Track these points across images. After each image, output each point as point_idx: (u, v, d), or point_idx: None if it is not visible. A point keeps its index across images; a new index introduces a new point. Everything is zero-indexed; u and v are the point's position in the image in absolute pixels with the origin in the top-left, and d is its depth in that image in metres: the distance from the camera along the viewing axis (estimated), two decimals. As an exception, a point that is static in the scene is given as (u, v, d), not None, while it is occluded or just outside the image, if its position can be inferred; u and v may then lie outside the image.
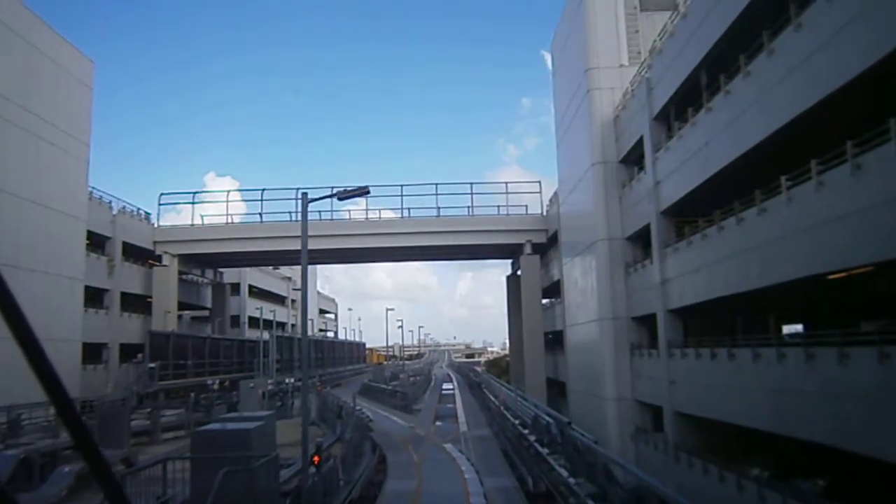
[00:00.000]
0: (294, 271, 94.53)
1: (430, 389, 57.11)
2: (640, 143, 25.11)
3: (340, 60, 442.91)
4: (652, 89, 23.47)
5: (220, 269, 56.72)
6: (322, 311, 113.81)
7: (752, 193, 16.42)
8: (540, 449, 22.21)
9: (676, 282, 21.68)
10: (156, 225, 48.00)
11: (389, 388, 41.19)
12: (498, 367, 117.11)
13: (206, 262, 53.25)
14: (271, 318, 74.66)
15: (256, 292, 78.11)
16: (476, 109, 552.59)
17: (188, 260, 49.38)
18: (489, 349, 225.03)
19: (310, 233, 44.61)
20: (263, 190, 48.43)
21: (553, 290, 46.23)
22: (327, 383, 60.44)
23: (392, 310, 51.73)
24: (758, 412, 16.40)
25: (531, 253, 45.39)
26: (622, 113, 27.65)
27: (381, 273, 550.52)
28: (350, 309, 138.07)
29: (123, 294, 43.10)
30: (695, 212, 21.81)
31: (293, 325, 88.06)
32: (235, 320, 66.10)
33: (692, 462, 19.85)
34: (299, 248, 44.35)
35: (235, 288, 68.91)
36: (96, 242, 41.62)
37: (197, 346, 42.35)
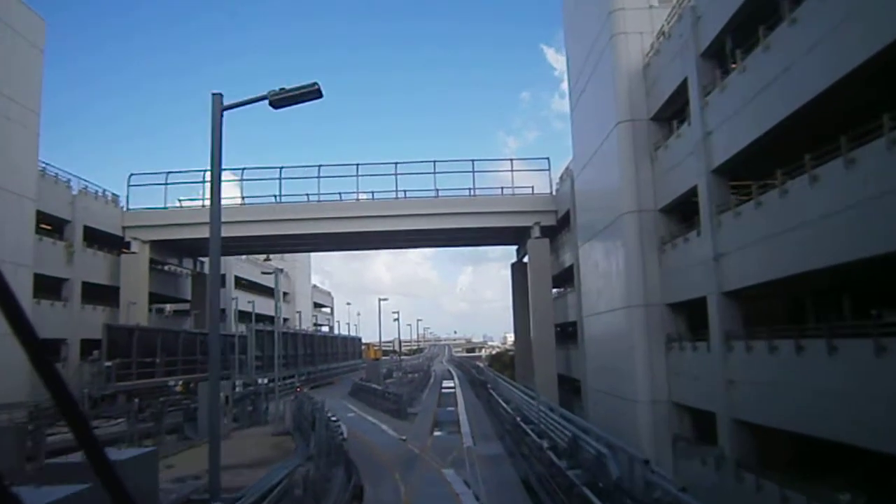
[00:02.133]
0: (286, 262, 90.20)
1: (428, 388, 52.42)
2: (680, 90, 20.60)
3: (335, 61, 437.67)
4: (699, 18, 18.95)
5: (202, 259, 52.23)
6: (317, 305, 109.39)
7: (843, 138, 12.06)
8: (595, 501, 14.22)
9: (736, 256, 17.20)
10: (125, 208, 43.53)
11: (381, 388, 36.62)
12: (500, 361, 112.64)
13: (185, 250, 48.82)
14: (263, 311, 70.50)
15: (246, 285, 73.78)
16: (474, 104, 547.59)
17: (162, 247, 44.94)
18: (490, 343, 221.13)
19: (294, 215, 40.04)
20: (244, 169, 43.96)
21: (564, 277, 41.80)
22: (318, 381, 55.92)
23: (386, 300, 47.00)
24: (865, 423, 12.01)
25: (540, 236, 40.90)
26: (654, 59, 23.13)
27: (380, 267, 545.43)
28: (349, 303, 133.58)
29: (86, 284, 38.69)
30: (752, 172, 17.38)
31: (287, 320, 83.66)
32: (222, 314, 61.62)
33: (762, 485, 15.42)
34: (286, 233, 39.85)
35: (221, 279, 64.55)
36: (54, 226, 37.26)
37: (168, 342, 37.89)
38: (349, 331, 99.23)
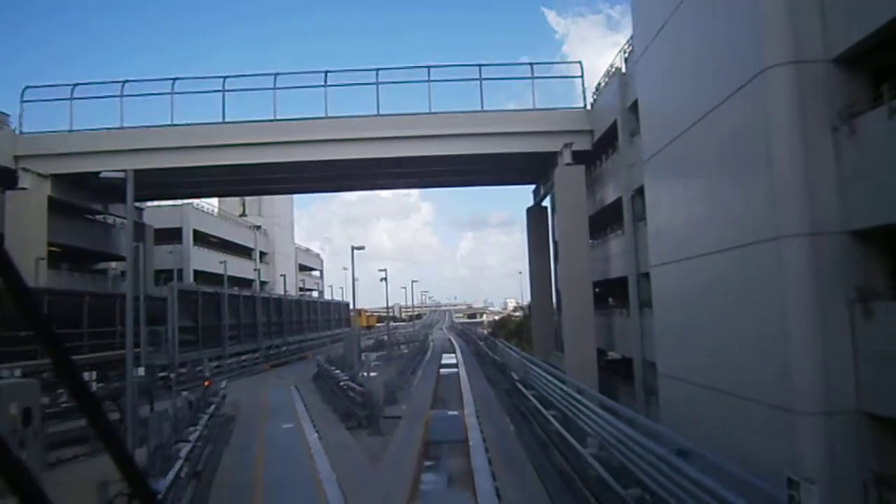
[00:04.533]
0: (264, 219, 79.76)
1: (423, 365, 40.85)
2: None
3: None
4: None
5: (140, 206, 41.60)
6: (304, 268, 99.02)
7: None
8: None
9: None
10: (18, 132, 32.85)
11: (346, 377, 25.13)
12: (505, 328, 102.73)
13: (114, 191, 38.09)
14: (236, 273, 59.99)
15: (215, 242, 63.31)
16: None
17: (76, 186, 34.27)
18: (490, 309, 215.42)
19: (243, 138, 29.24)
20: (175, 80, 32.90)
21: (602, 221, 31.28)
22: (287, 356, 45.37)
23: (362, 248, 35.78)
24: None
25: (571, 162, 30.19)
26: None
27: (381, 234, 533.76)
28: (345, 268, 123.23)
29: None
30: None
31: (264, 283, 73.41)
32: (175, 275, 51.24)
33: None
34: (235, 163, 29.20)
35: (176, 233, 54.17)
36: None
37: (66, 309, 27.63)
38: (344, 297, 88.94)
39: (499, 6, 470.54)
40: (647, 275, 25.40)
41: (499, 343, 40.75)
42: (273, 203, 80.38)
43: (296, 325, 52.40)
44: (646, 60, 21.05)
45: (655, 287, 20.82)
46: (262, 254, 77.35)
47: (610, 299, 33.46)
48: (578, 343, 28.80)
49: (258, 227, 77.20)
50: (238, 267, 63.97)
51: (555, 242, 40.02)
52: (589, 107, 31.80)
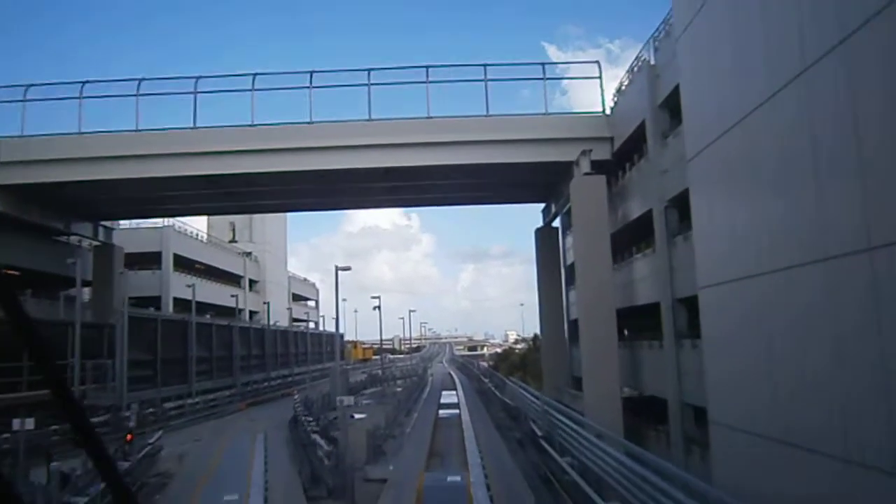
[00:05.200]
0: (255, 245, 75.97)
1: (420, 405, 36.47)
2: None
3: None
4: None
5: (106, 224, 37.73)
6: (298, 298, 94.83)
7: None
8: None
9: None
10: (-39, 138, 29.11)
11: (318, 429, 19.81)
12: (507, 361, 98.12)
13: (77, 207, 34.28)
14: (219, 301, 55.86)
15: (202, 269, 59.37)
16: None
17: (31, 200, 30.48)
18: (491, 341, 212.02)
19: (218, 145, 25.30)
20: (141, 80, 29.21)
21: (626, 238, 27.39)
22: (267, 393, 40.64)
23: (348, 269, 31.39)
24: None
25: (591, 172, 26.36)
26: None
27: (382, 266, 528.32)
28: (344, 299, 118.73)
29: None
30: None
31: (255, 313, 69.29)
32: (153, 301, 47.29)
33: None
34: (208, 173, 24.50)
35: (155, 258, 50.30)
36: None
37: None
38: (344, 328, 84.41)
39: (498, 40, 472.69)
40: (684, 300, 21.47)
41: (508, 382, 35.26)
42: (264, 229, 76.72)
43: (281, 359, 48.03)
44: (689, 38, 17.31)
45: (705, 313, 16.78)
46: (252, 282, 73.38)
47: (625, 331, 29.39)
48: (599, 379, 24.68)
49: (248, 254, 73.33)
50: (225, 295, 59.99)
51: (569, 266, 36.12)
52: (608, 111, 28.15)
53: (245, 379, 38.78)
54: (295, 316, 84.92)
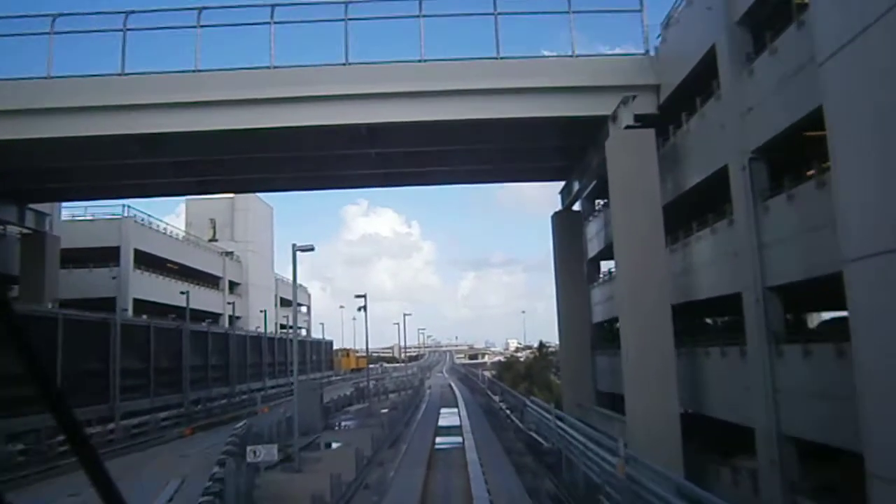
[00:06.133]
0: (237, 244, 69.80)
1: (413, 430, 28.12)
2: None
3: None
4: None
5: (35, 208, 31.39)
6: (287, 303, 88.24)
7: None
8: None
9: None
10: None
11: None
12: (512, 371, 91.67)
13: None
14: (198, 306, 49.33)
15: (175, 268, 53.07)
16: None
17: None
18: (492, 350, 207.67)
19: (158, 98, 20.00)
20: (56, 17, 22.86)
21: (675, 216, 20.87)
22: (229, 412, 32.93)
23: (311, 248, 24.81)
24: None
25: (634, 124, 20.05)
26: None
27: (383, 274, 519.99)
28: (342, 306, 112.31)
29: None
30: None
31: (237, 318, 62.92)
32: (107, 303, 40.79)
33: None
34: (140, 131, 19.54)
35: (112, 253, 44.02)
36: None
37: None
38: (342, 339, 78.11)
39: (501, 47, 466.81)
40: (776, 288, 15.17)
41: (529, 405, 26.29)
42: (247, 226, 70.53)
43: (251, 369, 41.47)
44: None
45: (856, 302, 10.43)
46: (233, 284, 67.14)
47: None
48: (650, 397, 18.34)
49: (230, 254, 67.09)
50: (201, 298, 53.64)
51: (591, 259, 29.85)
52: (652, 52, 21.94)
53: (199, 395, 32.24)
54: (283, 322, 78.71)
